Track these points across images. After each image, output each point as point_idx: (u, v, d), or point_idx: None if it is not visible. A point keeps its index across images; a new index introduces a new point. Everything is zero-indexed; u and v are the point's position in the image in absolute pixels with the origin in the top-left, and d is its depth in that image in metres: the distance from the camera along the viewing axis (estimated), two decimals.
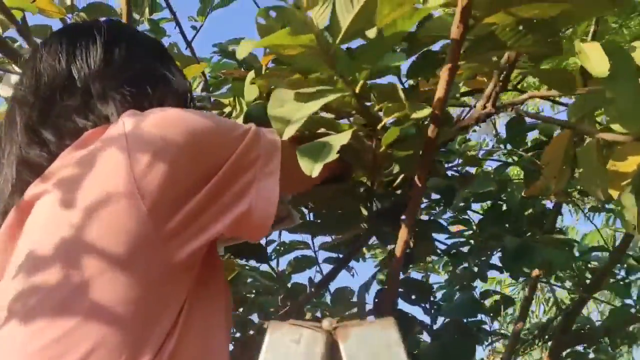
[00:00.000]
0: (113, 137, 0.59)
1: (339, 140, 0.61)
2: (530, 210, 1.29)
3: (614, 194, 0.70)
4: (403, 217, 0.76)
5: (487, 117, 0.90)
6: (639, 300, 1.04)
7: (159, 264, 0.57)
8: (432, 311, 0.93)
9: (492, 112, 0.89)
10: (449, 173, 1.19)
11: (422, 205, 1.86)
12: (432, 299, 0.93)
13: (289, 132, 0.57)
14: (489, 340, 2.02)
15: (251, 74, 0.86)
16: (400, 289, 0.93)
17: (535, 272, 1.67)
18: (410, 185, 0.79)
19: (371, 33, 0.63)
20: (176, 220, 0.57)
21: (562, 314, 1.58)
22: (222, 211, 0.60)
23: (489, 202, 1.32)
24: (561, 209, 1.52)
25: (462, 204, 1.38)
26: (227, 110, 1.01)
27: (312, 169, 0.58)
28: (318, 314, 1.38)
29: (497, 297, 1.99)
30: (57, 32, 0.75)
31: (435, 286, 1.37)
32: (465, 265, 1.46)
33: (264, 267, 1.37)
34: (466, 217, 1.45)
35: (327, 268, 1.52)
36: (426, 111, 0.58)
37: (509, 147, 1.27)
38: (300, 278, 1.53)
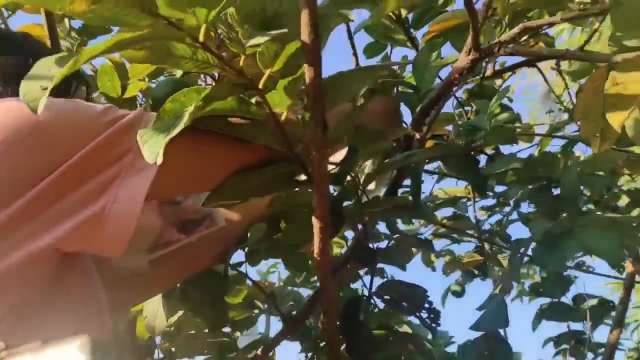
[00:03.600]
0: None
1: (190, 106, 0.46)
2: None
3: (616, 124, 0.47)
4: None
5: (473, 65, 0.70)
6: None
7: None
8: (430, 322, 0.72)
9: (478, 58, 0.69)
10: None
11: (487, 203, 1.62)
12: (428, 306, 0.73)
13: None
14: (593, 354, 1.70)
15: None
16: (387, 296, 0.74)
17: (630, 267, 1.36)
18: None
19: None
20: None
21: None
22: (60, 217, 0.48)
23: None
24: None
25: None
26: None
27: (157, 154, 0.43)
28: None
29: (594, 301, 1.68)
30: None
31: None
32: None
33: None
34: None
35: None
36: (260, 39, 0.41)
37: None
38: None
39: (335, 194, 0.62)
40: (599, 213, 0.93)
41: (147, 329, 0.77)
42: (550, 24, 0.62)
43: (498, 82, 1.44)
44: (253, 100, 0.53)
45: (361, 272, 1.30)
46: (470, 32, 0.66)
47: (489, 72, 1.15)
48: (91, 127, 0.50)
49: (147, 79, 0.90)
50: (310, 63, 0.44)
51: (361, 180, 0.69)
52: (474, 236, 1.44)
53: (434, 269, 1.83)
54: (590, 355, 1.69)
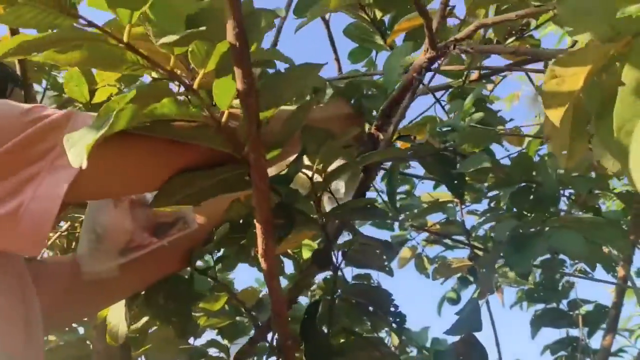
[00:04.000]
0: None
1: (120, 103, 0.46)
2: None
3: (555, 119, 0.45)
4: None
5: (431, 63, 0.69)
6: None
7: None
8: (397, 326, 0.71)
9: (434, 56, 0.68)
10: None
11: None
12: (394, 310, 0.71)
13: None
14: None
15: None
16: (353, 300, 0.73)
17: (621, 271, 1.33)
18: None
19: None
20: None
21: None
22: None
23: None
24: None
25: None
26: None
27: (81, 158, 0.42)
28: None
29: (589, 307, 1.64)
30: None
31: None
32: None
33: None
34: None
35: None
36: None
37: None
38: None
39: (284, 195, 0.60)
40: (579, 213, 0.91)
41: (109, 335, 0.76)
42: (505, 21, 0.61)
43: (490, 87, 1.43)
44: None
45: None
46: (425, 30, 0.65)
47: (474, 77, 1.14)
48: (12, 125, 0.49)
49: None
50: (238, 61, 0.43)
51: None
52: (463, 242, 1.42)
53: (427, 276, 1.81)
54: None
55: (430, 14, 0.71)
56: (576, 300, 1.57)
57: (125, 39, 0.44)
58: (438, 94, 1.21)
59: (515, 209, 1.01)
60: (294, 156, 0.63)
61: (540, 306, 1.72)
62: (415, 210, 1.42)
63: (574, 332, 1.67)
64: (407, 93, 0.72)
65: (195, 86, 0.49)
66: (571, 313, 1.58)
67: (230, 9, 0.42)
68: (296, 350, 0.60)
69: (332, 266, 0.69)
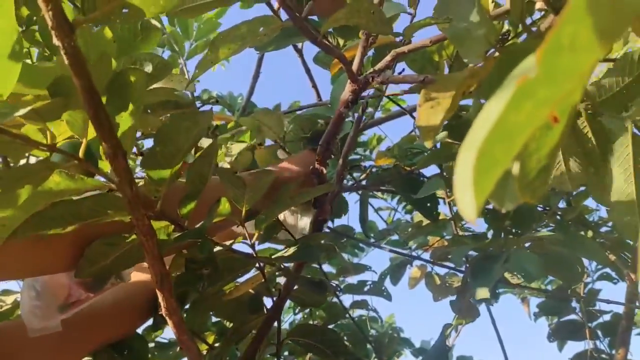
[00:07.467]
0: None
1: None
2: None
3: (428, 142, 0.44)
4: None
5: (355, 95, 0.68)
6: None
7: None
8: None
9: (357, 89, 0.67)
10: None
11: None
12: (344, 348, 0.68)
13: None
14: None
15: None
16: (302, 340, 0.71)
17: (634, 276, 1.26)
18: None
19: None
20: None
21: None
22: None
23: None
24: None
25: None
26: None
27: None
28: None
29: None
30: None
31: None
32: None
33: None
34: None
35: None
36: None
37: None
38: None
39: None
40: (549, 231, 0.87)
41: None
42: (420, 48, 0.59)
43: None
44: None
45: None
46: (344, 66, 0.63)
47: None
48: None
49: None
50: (96, 126, 0.42)
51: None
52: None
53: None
54: None
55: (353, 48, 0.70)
56: (592, 311, 1.49)
57: None
58: None
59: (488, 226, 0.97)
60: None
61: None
62: (409, 229, 1.39)
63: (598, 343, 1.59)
64: (339, 125, 0.71)
65: (80, 155, 0.48)
66: (589, 325, 1.50)
67: (72, 72, 0.40)
68: None
69: (274, 309, 0.68)
